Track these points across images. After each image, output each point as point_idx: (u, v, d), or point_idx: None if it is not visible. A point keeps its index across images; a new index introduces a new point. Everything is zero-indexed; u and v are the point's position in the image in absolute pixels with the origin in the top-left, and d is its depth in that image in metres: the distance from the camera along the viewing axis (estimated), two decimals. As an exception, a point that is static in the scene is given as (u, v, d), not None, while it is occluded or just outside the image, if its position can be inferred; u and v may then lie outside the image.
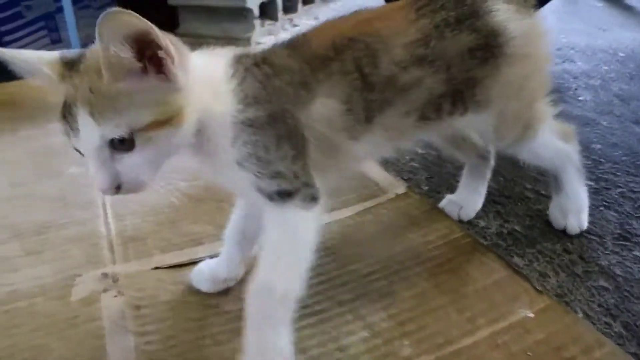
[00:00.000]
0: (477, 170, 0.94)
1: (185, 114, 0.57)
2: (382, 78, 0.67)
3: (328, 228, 0.92)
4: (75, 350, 0.68)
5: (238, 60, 0.65)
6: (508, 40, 0.72)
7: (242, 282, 0.80)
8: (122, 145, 0.55)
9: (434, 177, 1.08)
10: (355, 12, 0.73)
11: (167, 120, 0.56)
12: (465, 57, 0.70)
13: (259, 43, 2.08)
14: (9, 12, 1.76)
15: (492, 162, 0.94)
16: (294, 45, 0.69)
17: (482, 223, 0.92)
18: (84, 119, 0.54)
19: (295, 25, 2.39)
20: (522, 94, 0.77)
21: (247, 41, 2.08)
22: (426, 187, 1.05)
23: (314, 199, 0.63)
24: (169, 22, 2.19)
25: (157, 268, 0.83)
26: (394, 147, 0.77)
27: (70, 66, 0.57)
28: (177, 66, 0.56)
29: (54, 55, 0.58)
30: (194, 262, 0.84)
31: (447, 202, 0.97)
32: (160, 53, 0.54)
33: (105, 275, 0.81)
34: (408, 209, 0.96)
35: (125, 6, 0.55)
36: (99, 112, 0.53)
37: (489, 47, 0.71)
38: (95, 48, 0.54)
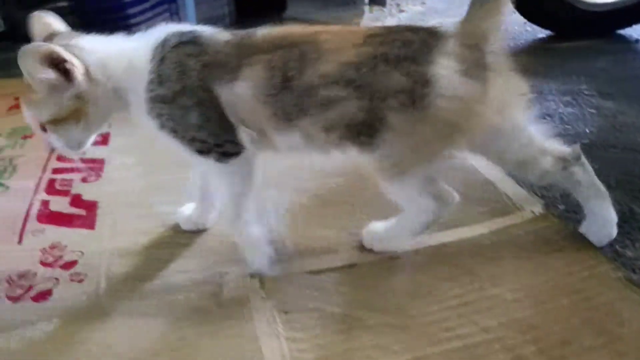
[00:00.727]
0: (582, 195, 0.87)
1: (83, 114, 0.77)
2: (302, 85, 0.72)
3: (462, 245, 0.91)
4: (232, 350, 0.72)
5: (163, 43, 0.78)
6: (433, 96, 0.69)
7: (383, 294, 0.81)
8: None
9: (569, 194, 1.03)
10: (321, 25, 0.79)
11: (65, 118, 0.77)
12: (389, 96, 0.71)
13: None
14: (136, -5, 1.85)
15: (595, 180, 0.85)
16: (241, 34, 0.79)
17: (629, 253, 0.87)
18: (24, 107, 0.79)
19: (401, 11, 2.33)
20: (420, 152, 0.75)
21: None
22: (562, 207, 1.00)
23: (227, 154, 0.79)
24: (278, 6, 2.22)
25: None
26: (323, 154, 0.80)
27: None
28: (83, 73, 0.75)
29: None
30: (330, 270, 0.87)
31: (586, 227, 0.91)
32: (67, 64, 0.74)
33: (252, 276, 0.85)
34: (547, 233, 0.92)
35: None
36: (27, 107, 0.79)
37: (412, 94, 0.70)
38: None
